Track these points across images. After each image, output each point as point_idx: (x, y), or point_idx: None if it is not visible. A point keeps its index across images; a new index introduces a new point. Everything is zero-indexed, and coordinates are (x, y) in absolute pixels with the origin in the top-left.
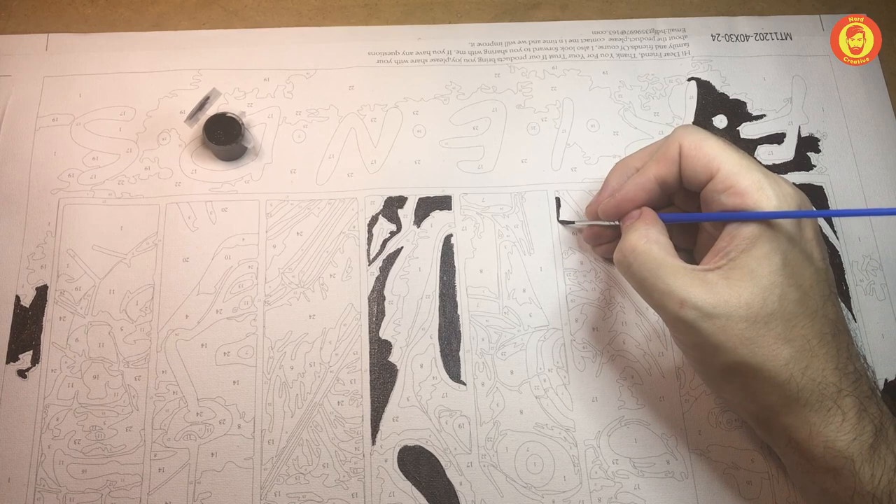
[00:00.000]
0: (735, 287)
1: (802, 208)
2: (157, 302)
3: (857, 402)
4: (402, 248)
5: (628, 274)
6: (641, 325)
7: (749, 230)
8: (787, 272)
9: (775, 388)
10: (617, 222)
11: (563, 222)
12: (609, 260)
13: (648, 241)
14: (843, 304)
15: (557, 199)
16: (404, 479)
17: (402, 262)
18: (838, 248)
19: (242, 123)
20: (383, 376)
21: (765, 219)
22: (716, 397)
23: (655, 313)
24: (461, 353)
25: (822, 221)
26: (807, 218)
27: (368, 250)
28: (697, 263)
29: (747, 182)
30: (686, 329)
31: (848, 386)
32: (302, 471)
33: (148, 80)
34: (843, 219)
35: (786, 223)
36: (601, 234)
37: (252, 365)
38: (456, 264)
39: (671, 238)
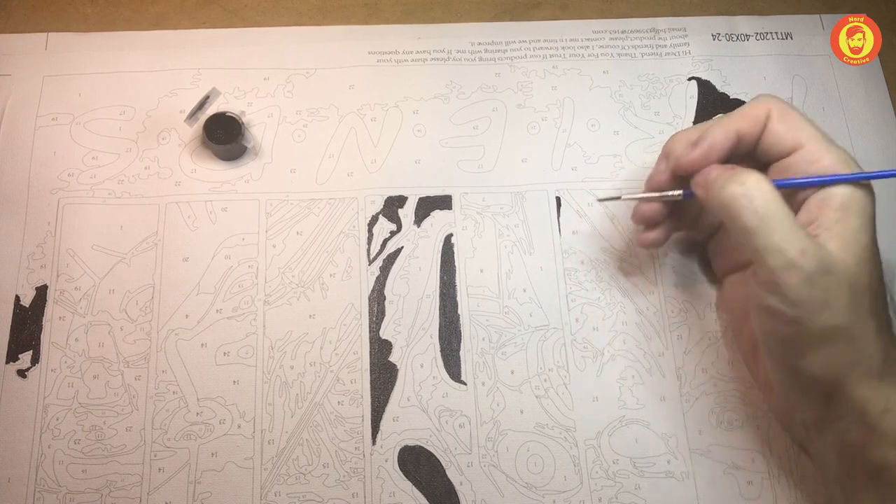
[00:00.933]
0: (843, 251)
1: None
2: (156, 302)
3: None
4: (403, 247)
5: (749, 209)
6: (642, 324)
7: (841, 201)
8: (873, 249)
9: (862, 358)
10: (679, 193)
11: (604, 199)
12: (650, 247)
13: (767, 185)
14: None
15: (558, 199)
16: (405, 479)
17: (402, 261)
18: None
19: (242, 123)
20: (383, 376)
21: (871, 179)
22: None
23: (667, 317)
24: (461, 353)
25: None
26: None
27: (368, 250)
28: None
29: (834, 158)
30: (798, 281)
31: None
32: (302, 471)
33: (148, 80)
34: None
35: (871, 205)
36: (656, 212)
37: (252, 365)
38: (456, 264)
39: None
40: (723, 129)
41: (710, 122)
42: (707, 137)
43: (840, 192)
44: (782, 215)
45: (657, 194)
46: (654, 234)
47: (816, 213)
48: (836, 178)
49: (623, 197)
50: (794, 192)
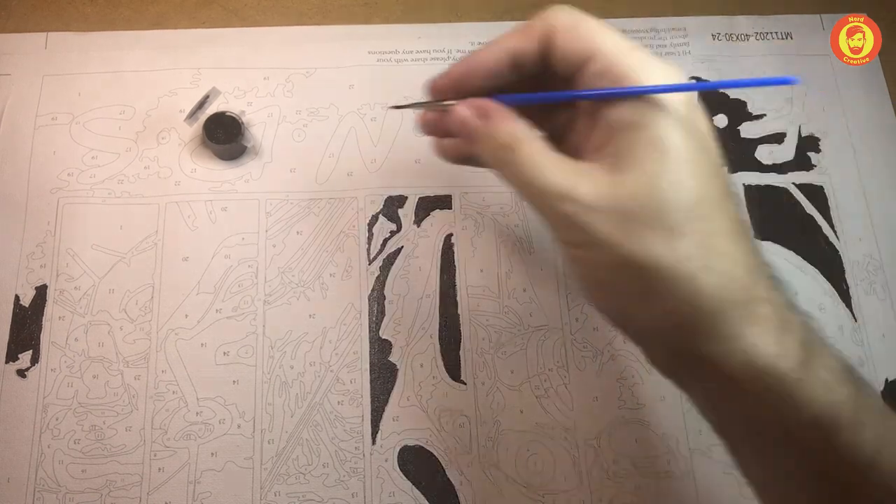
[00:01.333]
0: (619, 178)
1: (692, 102)
2: (156, 301)
3: (776, 311)
4: (403, 247)
5: (506, 174)
6: None
7: (628, 116)
8: (680, 157)
9: (672, 290)
10: (454, 102)
11: (396, 107)
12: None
13: (521, 134)
14: (843, 305)
15: None
16: (404, 478)
17: (402, 261)
18: (838, 248)
19: (242, 122)
20: (383, 376)
21: (633, 94)
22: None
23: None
24: (461, 353)
25: (822, 221)
26: (694, 112)
27: (368, 250)
28: None
29: (629, 62)
30: (567, 227)
31: (763, 292)
32: (302, 470)
33: (147, 79)
34: (843, 218)
35: (675, 105)
36: (437, 123)
37: (252, 364)
38: (456, 264)
39: None
40: (490, 51)
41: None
42: (472, 58)
43: (627, 108)
44: (537, 166)
45: (433, 101)
46: (443, 143)
47: (606, 138)
48: (574, 94)
49: (412, 105)
50: (595, 111)
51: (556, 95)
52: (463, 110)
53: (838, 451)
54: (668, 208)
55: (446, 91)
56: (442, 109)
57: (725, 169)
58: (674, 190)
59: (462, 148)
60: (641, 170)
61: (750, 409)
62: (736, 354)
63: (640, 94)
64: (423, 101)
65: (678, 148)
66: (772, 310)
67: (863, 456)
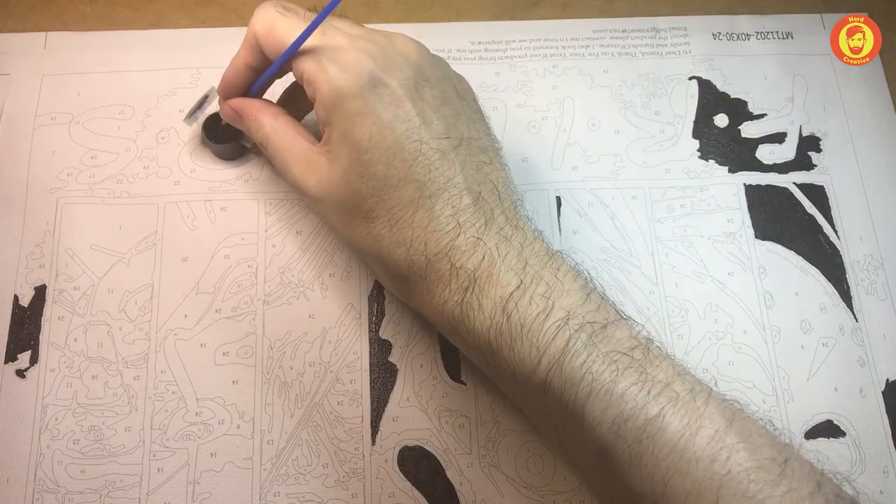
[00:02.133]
0: (331, 170)
1: (384, 60)
2: (156, 301)
3: (448, 261)
4: None
5: (273, 164)
6: (642, 324)
7: (322, 115)
8: (366, 145)
9: (381, 264)
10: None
11: (189, 118)
12: None
13: (269, 130)
14: (844, 305)
15: (558, 199)
16: (404, 479)
17: None
18: (839, 248)
19: None
20: (383, 376)
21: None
22: None
23: (668, 317)
24: (461, 353)
25: (823, 221)
26: (387, 70)
27: None
28: None
29: (310, 67)
30: (314, 209)
31: (437, 247)
32: (302, 471)
33: (147, 79)
34: (844, 218)
35: (349, 88)
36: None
37: (251, 365)
38: None
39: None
40: (232, 66)
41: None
42: (224, 78)
43: (321, 111)
44: (284, 159)
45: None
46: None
47: (323, 123)
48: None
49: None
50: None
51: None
52: (224, 111)
53: (501, 366)
54: (361, 197)
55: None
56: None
57: (433, 125)
58: (361, 180)
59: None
60: (339, 164)
61: (451, 340)
62: (425, 305)
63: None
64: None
65: (361, 138)
66: (446, 262)
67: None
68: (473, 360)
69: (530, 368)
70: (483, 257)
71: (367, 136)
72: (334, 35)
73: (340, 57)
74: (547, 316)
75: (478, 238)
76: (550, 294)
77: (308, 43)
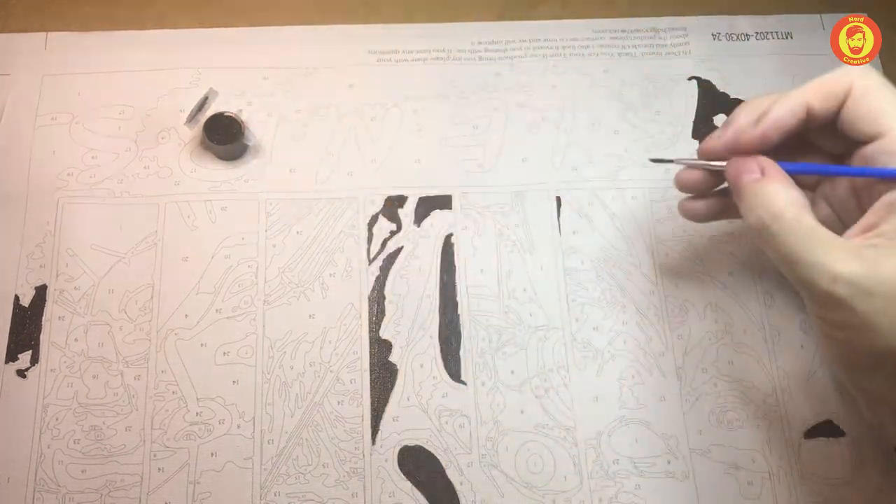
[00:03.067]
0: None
1: None
2: (156, 301)
3: None
4: (403, 247)
5: (770, 242)
6: (642, 324)
7: None
8: None
9: None
10: (723, 164)
11: (655, 160)
12: (695, 221)
13: (795, 206)
14: None
15: (558, 199)
16: (404, 479)
17: (402, 261)
18: None
19: (242, 122)
20: (383, 376)
21: None
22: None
23: (668, 317)
24: (461, 353)
25: None
26: None
27: (368, 250)
28: None
29: None
30: (837, 307)
31: None
32: (302, 471)
33: (147, 79)
34: None
35: None
36: (700, 181)
37: (252, 365)
38: (456, 264)
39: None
40: (790, 105)
41: (781, 94)
42: (771, 114)
43: None
44: (807, 242)
45: (707, 163)
46: (695, 204)
47: (880, 218)
48: (865, 171)
49: (675, 160)
50: (863, 187)
51: (844, 170)
52: (743, 162)
53: None
54: None
55: (718, 152)
56: (706, 169)
57: None
58: None
59: (714, 207)
60: None
61: None
62: None
63: None
64: (689, 159)
65: None
66: None
67: None
68: None
69: None
70: None
71: None
72: None
73: None
74: None
75: None
76: None
77: None
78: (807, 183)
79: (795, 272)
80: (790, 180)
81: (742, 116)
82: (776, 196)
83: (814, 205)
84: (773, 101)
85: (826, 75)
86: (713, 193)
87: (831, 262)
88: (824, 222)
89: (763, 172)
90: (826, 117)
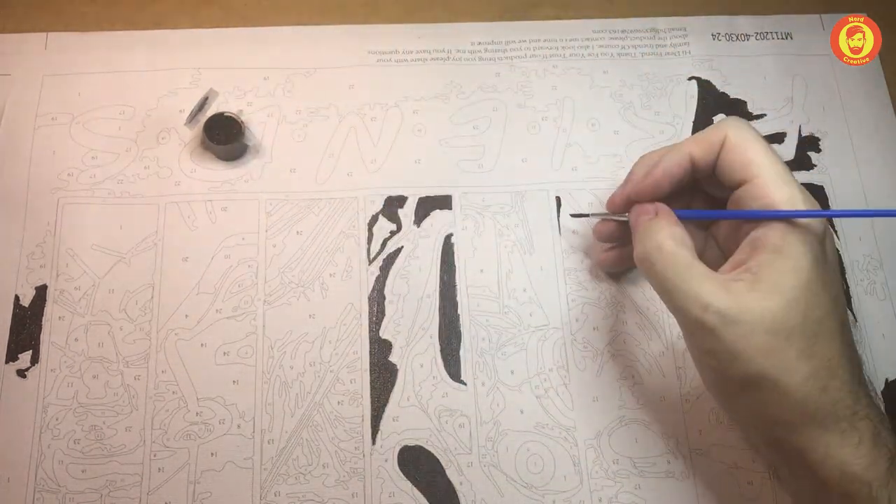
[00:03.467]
0: (760, 297)
1: (828, 233)
2: (156, 301)
3: (873, 427)
4: (403, 247)
5: (651, 273)
6: (642, 324)
7: (774, 240)
8: (811, 290)
9: (791, 405)
10: (626, 216)
11: (575, 216)
12: (610, 273)
13: (675, 240)
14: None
15: (558, 199)
16: (404, 479)
17: (402, 261)
18: (839, 248)
19: (242, 123)
20: (383, 376)
21: (788, 217)
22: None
23: (667, 317)
24: (461, 353)
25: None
26: (829, 243)
27: (368, 250)
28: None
29: (781, 196)
30: (705, 334)
31: (863, 409)
32: (302, 471)
33: (147, 79)
34: (844, 220)
35: (811, 245)
36: (612, 231)
37: (252, 365)
38: (456, 264)
39: None
40: (676, 157)
41: (671, 147)
42: (660, 165)
43: (773, 232)
44: (684, 274)
45: (612, 215)
46: (609, 255)
47: (748, 255)
48: (742, 213)
49: (590, 215)
50: (737, 226)
51: (720, 214)
52: (641, 206)
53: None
54: (797, 335)
55: (620, 204)
56: (615, 220)
57: (843, 298)
58: (804, 319)
59: (618, 255)
60: (781, 294)
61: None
62: (833, 461)
63: (790, 218)
64: (602, 213)
65: (814, 279)
66: (870, 425)
67: None
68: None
69: None
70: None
71: (817, 282)
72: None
73: (815, 204)
74: None
75: (883, 417)
76: None
77: (785, 175)
78: (700, 225)
79: (672, 300)
80: (677, 221)
81: (637, 170)
82: (660, 231)
83: (706, 244)
84: (662, 154)
85: (706, 129)
86: (627, 243)
87: (703, 293)
88: (712, 259)
89: (657, 214)
90: (707, 166)
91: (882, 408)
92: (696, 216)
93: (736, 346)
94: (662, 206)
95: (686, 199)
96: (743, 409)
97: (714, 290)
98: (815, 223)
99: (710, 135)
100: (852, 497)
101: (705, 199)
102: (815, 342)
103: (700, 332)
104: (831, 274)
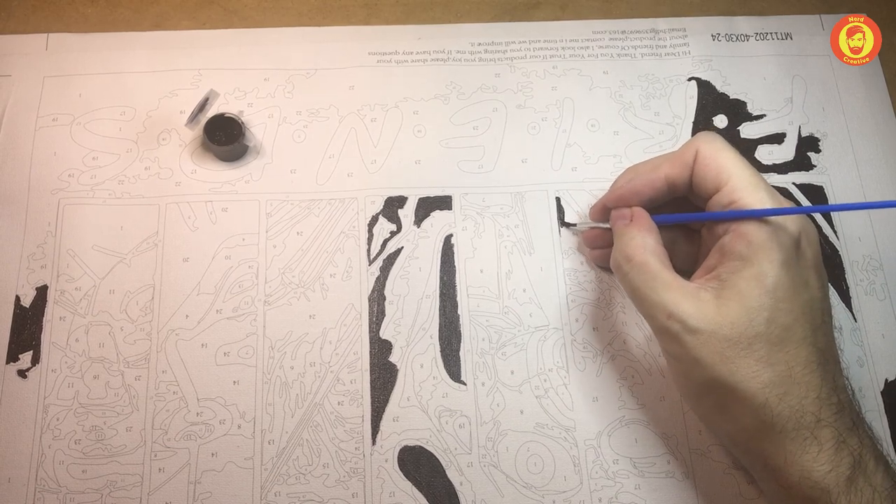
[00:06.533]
0: (723, 305)
1: (806, 232)
2: (157, 302)
3: (836, 434)
4: (403, 248)
5: (623, 281)
6: (642, 324)
7: (740, 249)
8: (778, 295)
9: (750, 411)
10: (608, 226)
11: (566, 225)
12: (604, 267)
13: (645, 251)
14: (843, 305)
15: (558, 199)
16: (404, 479)
17: (402, 262)
18: (838, 248)
19: (242, 123)
20: (383, 376)
21: (758, 217)
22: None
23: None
24: (461, 353)
25: (822, 221)
26: (808, 242)
27: (369, 250)
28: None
29: (751, 200)
30: (669, 340)
31: (828, 417)
32: (302, 471)
33: (148, 80)
34: (843, 218)
35: (784, 246)
36: (598, 237)
37: (252, 365)
38: (456, 264)
39: (676, 247)
40: (648, 176)
41: (665, 156)
42: (633, 183)
43: (740, 239)
44: (651, 283)
45: (597, 224)
46: (597, 254)
47: (717, 261)
48: (707, 215)
49: (578, 225)
50: (713, 230)
51: (695, 216)
52: (619, 210)
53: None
54: (760, 342)
55: (601, 211)
56: (600, 229)
57: (826, 300)
58: (768, 326)
59: (607, 255)
60: (743, 303)
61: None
62: (794, 467)
63: (762, 216)
64: (588, 223)
65: (781, 285)
66: (832, 433)
67: None
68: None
69: None
70: (863, 444)
71: (787, 287)
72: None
73: (780, 199)
74: None
75: (854, 423)
76: None
77: (754, 179)
78: (691, 229)
79: (641, 307)
80: (653, 229)
81: (620, 179)
82: (631, 241)
83: (699, 247)
84: (640, 172)
85: (679, 148)
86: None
87: (667, 301)
88: (678, 261)
89: (632, 218)
90: (684, 184)
91: (861, 407)
92: (670, 220)
93: (696, 353)
94: (638, 211)
95: (674, 208)
96: (707, 413)
97: (678, 300)
98: (790, 225)
99: (683, 153)
100: (813, 502)
101: (694, 208)
102: (779, 349)
103: (665, 338)
104: (808, 275)
